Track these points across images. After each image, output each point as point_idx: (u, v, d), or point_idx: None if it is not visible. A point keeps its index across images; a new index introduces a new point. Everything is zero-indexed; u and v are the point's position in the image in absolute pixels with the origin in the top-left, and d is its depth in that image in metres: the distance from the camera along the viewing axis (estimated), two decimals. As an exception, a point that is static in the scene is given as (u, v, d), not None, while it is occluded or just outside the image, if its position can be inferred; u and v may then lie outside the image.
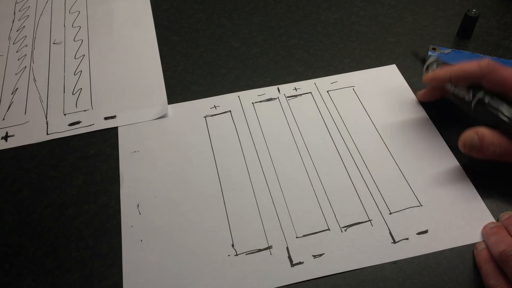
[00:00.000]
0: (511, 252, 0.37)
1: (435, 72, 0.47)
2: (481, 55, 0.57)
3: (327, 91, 0.55)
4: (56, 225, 0.45)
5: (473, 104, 0.44)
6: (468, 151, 0.44)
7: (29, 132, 0.53)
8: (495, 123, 0.43)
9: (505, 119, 0.42)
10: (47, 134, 0.53)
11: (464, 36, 0.60)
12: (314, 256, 0.42)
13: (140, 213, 0.46)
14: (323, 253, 0.42)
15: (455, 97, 0.47)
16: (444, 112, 0.51)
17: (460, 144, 0.44)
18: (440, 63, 0.49)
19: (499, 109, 0.42)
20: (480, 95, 0.44)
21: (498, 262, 0.38)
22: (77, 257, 0.43)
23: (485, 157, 0.43)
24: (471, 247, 0.41)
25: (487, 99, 0.43)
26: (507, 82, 0.41)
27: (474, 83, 0.44)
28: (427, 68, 0.50)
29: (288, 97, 0.55)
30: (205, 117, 0.53)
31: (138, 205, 0.46)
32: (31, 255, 0.43)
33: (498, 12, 0.63)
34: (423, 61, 0.51)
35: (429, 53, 0.51)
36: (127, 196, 0.47)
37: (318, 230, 0.44)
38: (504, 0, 0.64)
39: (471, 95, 0.44)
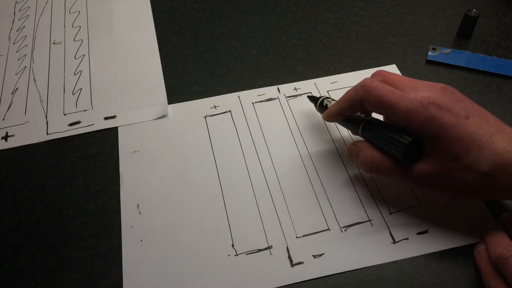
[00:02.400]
0: (507, 255, 0.37)
1: (328, 111, 0.46)
2: (481, 55, 0.57)
3: (327, 91, 0.55)
4: (56, 225, 0.45)
5: (359, 131, 0.44)
6: (350, 159, 0.45)
7: (29, 132, 0.53)
8: (378, 146, 0.42)
9: (380, 143, 0.41)
10: (47, 134, 0.53)
11: (464, 36, 0.60)
12: (314, 256, 0.42)
13: (140, 213, 0.46)
14: (323, 253, 0.42)
15: (349, 128, 0.47)
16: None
17: (346, 151, 0.46)
18: (329, 98, 0.49)
19: (377, 133, 0.42)
20: (362, 122, 0.43)
21: (495, 264, 0.38)
22: (77, 257, 0.43)
23: (363, 170, 0.44)
24: (471, 247, 0.41)
25: (367, 126, 0.43)
26: (383, 101, 0.39)
27: (361, 108, 0.43)
28: (320, 105, 0.49)
29: (288, 97, 0.55)
30: (205, 117, 0.53)
31: (138, 205, 0.46)
32: (31, 255, 0.43)
33: (498, 12, 0.63)
34: (315, 101, 0.50)
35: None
36: (127, 196, 0.47)
37: (318, 230, 0.44)
38: (504, 0, 0.64)
39: (358, 123, 0.44)
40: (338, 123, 0.48)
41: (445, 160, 0.38)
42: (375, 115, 0.44)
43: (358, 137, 0.46)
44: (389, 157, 0.41)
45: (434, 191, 0.40)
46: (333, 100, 0.48)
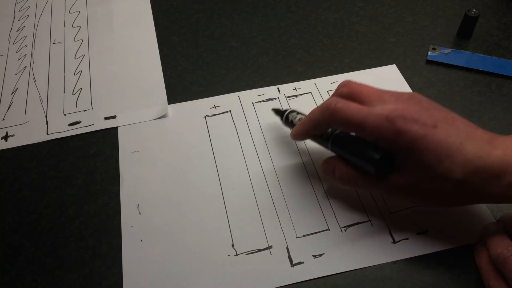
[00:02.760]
0: (507, 255, 0.37)
1: (295, 131, 0.46)
2: (481, 55, 0.57)
3: (327, 91, 0.55)
4: (56, 225, 0.45)
5: (329, 147, 0.43)
6: (326, 177, 0.45)
7: (29, 132, 0.53)
8: (349, 161, 0.42)
9: (351, 159, 0.41)
10: (47, 134, 0.53)
11: (464, 36, 0.60)
12: (314, 256, 0.42)
13: (140, 213, 0.46)
14: (323, 253, 0.42)
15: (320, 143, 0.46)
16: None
17: (320, 169, 0.45)
18: (295, 112, 0.48)
19: (347, 149, 0.42)
20: (331, 138, 0.43)
21: (496, 264, 0.38)
22: (77, 257, 0.43)
23: (342, 186, 0.44)
24: (471, 247, 0.41)
25: (336, 141, 0.43)
26: (350, 122, 0.39)
27: (328, 127, 0.43)
28: (286, 120, 0.49)
29: (288, 97, 0.55)
30: (205, 117, 0.53)
31: (138, 205, 0.46)
32: (31, 255, 0.43)
33: (498, 12, 0.63)
34: (281, 115, 0.49)
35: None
36: (127, 196, 0.47)
37: (318, 230, 0.44)
38: (504, 0, 0.64)
39: (327, 138, 0.43)
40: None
41: (418, 171, 0.37)
42: None
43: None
44: (364, 171, 0.41)
45: (413, 201, 0.41)
46: (298, 113, 0.48)
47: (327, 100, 0.41)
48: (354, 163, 0.41)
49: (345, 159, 0.42)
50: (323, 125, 0.42)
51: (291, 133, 0.47)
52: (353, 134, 0.41)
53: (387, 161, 0.39)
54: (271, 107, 0.52)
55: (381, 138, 0.38)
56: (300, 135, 0.46)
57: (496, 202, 0.39)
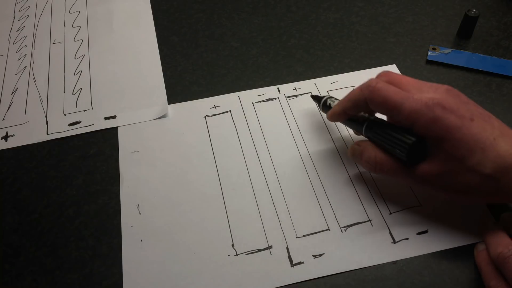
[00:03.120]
0: (508, 254, 0.37)
1: (332, 111, 0.46)
2: (481, 55, 0.57)
3: (327, 91, 0.55)
4: (56, 225, 0.45)
5: (363, 131, 0.44)
6: (353, 159, 0.46)
7: (29, 132, 0.53)
8: (381, 146, 0.42)
9: (384, 143, 0.42)
10: (47, 134, 0.53)
11: (464, 36, 0.60)
12: (314, 256, 0.42)
13: (140, 213, 0.46)
14: (323, 253, 0.42)
15: (353, 127, 0.47)
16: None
17: (348, 152, 0.46)
18: (333, 98, 0.49)
19: (380, 133, 0.42)
20: (366, 122, 0.43)
21: (496, 263, 0.38)
22: (77, 257, 0.43)
23: (367, 170, 0.44)
24: (471, 247, 0.41)
25: (371, 125, 0.43)
26: (388, 102, 0.39)
27: (365, 108, 0.43)
28: (324, 105, 0.49)
29: (288, 97, 0.55)
30: (205, 117, 0.53)
31: (138, 205, 0.46)
32: (31, 255, 0.43)
33: (498, 12, 0.63)
34: (319, 101, 0.50)
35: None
36: (127, 196, 0.47)
37: (318, 230, 0.44)
38: (504, 0, 0.64)
39: (362, 123, 0.44)
40: (341, 122, 0.48)
41: (449, 161, 0.38)
42: (378, 115, 0.44)
43: (358, 138, 0.46)
44: (393, 157, 0.41)
45: (436, 191, 0.40)
46: (336, 99, 0.48)
47: (368, 80, 0.42)
48: (386, 148, 0.41)
49: (377, 144, 0.42)
50: (361, 104, 0.42)
51: (327, 115, 0.47)
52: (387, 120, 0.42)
53: (419, 149, 0.39)
54: (310, 95, 0.54)
55: (416, 123, 0.38)
56: (337, 115, 0.46)
57: None
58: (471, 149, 0.37)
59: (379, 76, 0.44)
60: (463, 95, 0.40)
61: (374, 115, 0.45)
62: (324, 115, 0.52)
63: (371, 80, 0.42)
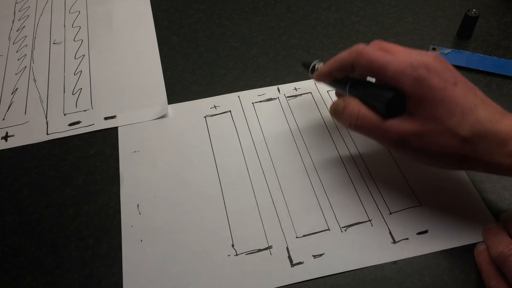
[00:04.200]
0: (508, 253, 0.37)
1: (319, 71, 0.47)
2: (481, 55, 0.57)
3: (327, 91, 0.55)
4: (56, 225, 0.45)
5: (347, 88, 0.44)
6: (334, 116, 0.45)
7: (29, 132, 0.53)
8: (364, 101, 0.43)
9: (365, 99, 0.42)
10: (47, 134, 0.53)
11: (464, 36, 0.60)
12: (314, 256, 0.42)
13: (140, 213, 0.46)
14: (323, 253, 0.42)
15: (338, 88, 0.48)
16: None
17: (329, 108, 0.46)
18: (321, 62, 0.50)
19: (363, 90, 0.43)
20: (349, 81, 0.44)
21: (496, 263, 0.38)
22: (77, 257, 0.43)
23: (347, 126, 0.44)
24: (471, 247, 0.41)
25: (354, 83, 0.44)
26: (373, 63, 0.40)
27: (351, 71, 0.44)
28: (312, 69, 0.50)
29: (288, 97, 0.55)
30: (205, 117, 0.53)
31: (138, 205, 0.46)
32: (31, 255, 0.43)
33: (498, 12, 0.63)
34: (308, 67, 0.51)
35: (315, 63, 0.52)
36: (127, 196, 0.47)
37: (318, 230, 0.44)
38: (504, 0, 0.64)
39: (346, 82, 0.45)
40: (327, 84, 0.49)
41: (428, 121, 0.38)
42: None
43: (359, 137, 0.46)
44: (375, 113, 0.41)
45: (413, 155, 0.41)
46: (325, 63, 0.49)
47: (357, 44, 0.43)
48: (367, 103, 0.42)
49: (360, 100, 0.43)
50: (347, 66, 0.43)
51: (314, 75, 0.48)
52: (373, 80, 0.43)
53: (398, 104, 0.39)
54: (301, 62, 0.54)
55: (401, 83, 0.39)
56: (323, 75, 0.47)
57: (492, 171, 0.39)
58: (451, 111, 0.37)
59: (371, 44, 0.44)
60: (451, 64, 0.41)
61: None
62: (321, 115, 0.52)
63: (359, 44, 0.42)
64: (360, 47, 0.42)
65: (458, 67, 0.56)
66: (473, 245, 0.41)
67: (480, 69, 0.56)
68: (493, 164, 0.37)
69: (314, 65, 0.50)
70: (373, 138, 0.43)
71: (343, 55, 0.44)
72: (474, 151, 0.37)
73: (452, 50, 0.58)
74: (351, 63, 0.42)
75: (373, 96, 0.41)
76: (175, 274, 0.42)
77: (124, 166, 0.49)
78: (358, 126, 0.42)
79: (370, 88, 0.42)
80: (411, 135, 0.39)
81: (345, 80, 0.45)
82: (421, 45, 0.59)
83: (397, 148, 0.41)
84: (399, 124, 0.39)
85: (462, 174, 0.46)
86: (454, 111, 0.37)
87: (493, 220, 0.43)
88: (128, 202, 0.46)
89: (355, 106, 0.42)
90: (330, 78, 0.46)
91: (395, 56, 0.40)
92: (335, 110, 0.44)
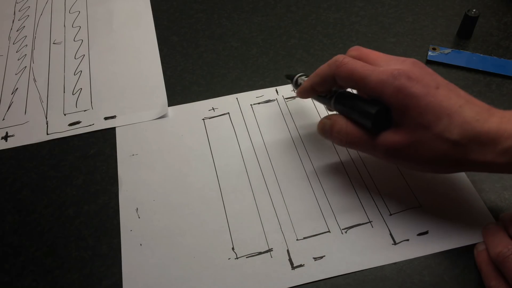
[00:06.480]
0: (507, 253, 0.37)
1: (301, 87, 0.47)
2: (481, 55, 0.57)
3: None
4: (56, 225, 0.45)
5: (332, 104, 0.44)
6: (323, 135, 0.45)
7: (29, 132, 0.53)
8: (350, 117, 0.43)
9: (351, 114, 0.42)
10: (47, 134, 0.53)
11: (464, 36, 0.60)
12: (315, 259, 0.42)
13: (139, 217, 0.45)
14: (324, 255, 0.42)
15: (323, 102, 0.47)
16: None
17: (317, 127, 0.46)
18: (303, 76, 0.49)
19: (348, 105, 0.43)
20: (334, 94, 0.44)
21: (495, 263, 0.38)
22: (77, 257, 0.43)
23: (338, 144, 0.44)
24: (471, 247, 0.41)
25: (339, 98, 0.44)
26: (354, 74, 0.40)
27: (333, 83, 0.44)
28: (295, 83, 0.50)
29: (286, 98, 0.54)
30: (203, 119, 0.53)
31: (137, 208, 0.46)
32: (31, 255, 0.43)
33: (498, 12, 0.63)
34: (291, 79, 0.51)
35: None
36: (126, 199, 0.47)
37: (318, 232, 0.44)
38: (504, 0, 0.64)
39: (331, 97, 0.45)
40: (313, 98, 0.49)
41: (416, 129, 0.38)
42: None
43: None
44: (363, 129, 0.41)
45: (406, 163, 0.41)
46: (307, 76, 0.49)
47: (336, 56, 0.43)
48: (353, 119, 0.42)
49: (347, 117, 0.43)
50: (329, 79, 0.43)
51: (297, 91, 0.48)
52: (355, 92, 0.43)
53: (384, 117, 0.40)
54: (285, 74, 0.53)
55: (382, 93, 0.39)
56: (305, 91, 0.47)
57: (487, 170, 0.39)
58: (437, 115, 0.37)
59: (349, 51, 0.44)
60: (428, 68, 0.41)
61: (344, 89, 0.45)
62: (320, 116, 0.52)
63: (338, 56, 0.42)
64: (339, 58, 0.42)
65: (458, 67, 0.56)
66: (473, 245, 0.41)
67: (480, 69, 0.56)
68: (488, 164, 0.37)
69: (297, 80, 0.50)
70: (364, 152, 0.43)
71: (323, 68, 0.44)
72: (466, 153, 0.37)
73: (452, 50, 0.58)
74: (332, 75, 0.42)
75: (359, 111, 0.41)
76: (175, 278, 0.41)
77: (123, 169, 0.49)
78: (348, 143, 0.43)
79: (355, 102, 0.42)
80: (401, 146, 0.39)
81: (329, 94, 0.45)
82: (421, 45, 0.59)
83: (389, 159, 0.41)
84: (388, 137, 0.40)
85: (462, 174, 0.46)
86: (440, 115, 0.37)
87: (492, 220, 0.43)
88: (127, 206, 0.46)
89: (343, 124, 0.43)
90: (313, 93, 0.46)
91: (375, 66, 0.40)
92: (322, 129, 0.45)
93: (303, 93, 0.47)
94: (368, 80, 0.39)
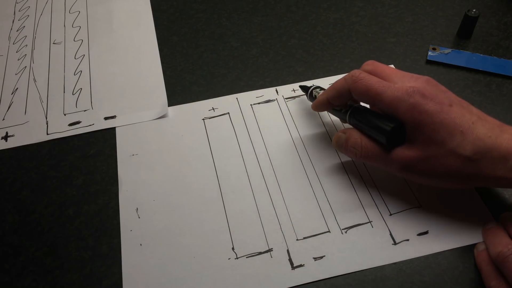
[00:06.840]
0: (508, 253, 0.37)
1: (316, 101, 0.48)
2: (481, 55, 0.57)
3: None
4: (56, 225, 0.45)
5: (347, 118, 0.45)
6: (338, 148, 0.46)
7: (29, 132, 0.53)
8: (365, 132, 0.44)
9: (366, 129, 0.43)
10: (47, 134, 0.53)
11: (464, 36, 0.60)
12: (315, 259, 0.42)
13: (139, 217, 0.45)
14: (324, 255, 0.42)
15: (338, 116, 0.48)
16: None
17: (332, 141, 0.47)
18: (318, 88, 0.50)
19: (363, 120, 0.43)
20: (350, 109, 0.45)
21: (495, 263, 0.38)
22: (77, 257, 0.43)
23: (352, 157, 0.45)
24: (471, 247, 0.41)
25: (354, 112, 0.44)
26: (370, 89, 0.41)
27: (349, 98, 0.44)
28: (310, 95, 0.51)
29: (286, 98, 0.54)
30: (203, 119, 0.53)
31: (137, 208, 0.46)
32: (31, 255, 0.43)
33: (498, 12, 0.63)
34: (307, 90, 0.51)
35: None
36: (126, 199, 0.47)
37: (318, 232, 0.43)
38: (504, 0, 0.64)
39: (346, 111, 0.45)
40: (328, 112, 0.50)
41: (430, 145, 0.39)
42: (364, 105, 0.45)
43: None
44: (377, 143, 0.42)
45: (419, 178, 0.41)
46: (322, 89, 0.50)
47: (352, 70, 0.44)
48: (368, 133, 0.43)
49: (361, 131, 0.44)
50: (344, 93, 0.44)
51: (312, 104, 0.49)
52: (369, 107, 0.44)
53: (399, 132, 0.40)
54: (299, 85, 0.54)
55: (397, 110, 0.40)
56: (321, 105, 0.47)
57: (498, 186, 0.40)
58: (450, 132, 0.38)
59: (364, 65, 0.45)
60: (442, 85, 0.42)
61: (359, 104, 0.46)
62: (320, 116, 0.52)
63: (354, 71, 0.43)
64: (356, 73, 0.43)
65: (458, 67, 0.56)
66: (473, 245, 0.41)
67: (480, 69, 0.56)
68: (498, 179, 0.38)
69: (312, 91, 0.50)
70: (378, 166, 0.44)
71: (340, 83, 0.44)
72: (478, 168, 0.38)
73: (452, 50, 0.58)
74: (348, 90, 0.43)
75: (374, 127, 0.42)
76: (176, 278, 0.41)
77: (123, 169, 0.49)
78: (363, 156, 0.43)
79: (370, 117, 0.43)
80: (415, 161, 0.40)
81: (346, 108, 0.45)
82: (421, 45, 0.59)
83: (403, 174, 0.42)
84: (402, 152, 0.40)
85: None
86: (454, 132, 0.38)
87: (492, 220, 0.43)
88: (127, 206, 0.46)
89: (357, 138, 0.43)
90: (329, 107, 0.47)
91: (389, 82, 0.41)
92: (337, 143, 0.46)
93: (319, 107, 0.48)
94: (383, 96, 0.40)
